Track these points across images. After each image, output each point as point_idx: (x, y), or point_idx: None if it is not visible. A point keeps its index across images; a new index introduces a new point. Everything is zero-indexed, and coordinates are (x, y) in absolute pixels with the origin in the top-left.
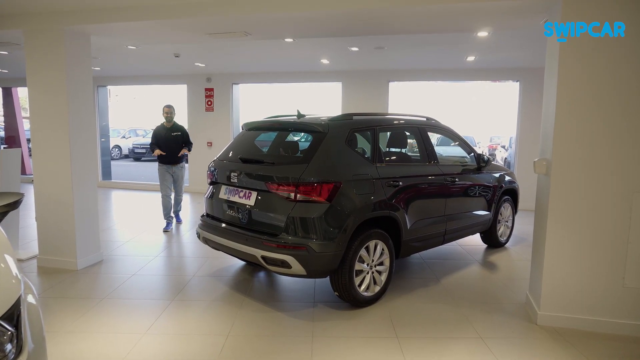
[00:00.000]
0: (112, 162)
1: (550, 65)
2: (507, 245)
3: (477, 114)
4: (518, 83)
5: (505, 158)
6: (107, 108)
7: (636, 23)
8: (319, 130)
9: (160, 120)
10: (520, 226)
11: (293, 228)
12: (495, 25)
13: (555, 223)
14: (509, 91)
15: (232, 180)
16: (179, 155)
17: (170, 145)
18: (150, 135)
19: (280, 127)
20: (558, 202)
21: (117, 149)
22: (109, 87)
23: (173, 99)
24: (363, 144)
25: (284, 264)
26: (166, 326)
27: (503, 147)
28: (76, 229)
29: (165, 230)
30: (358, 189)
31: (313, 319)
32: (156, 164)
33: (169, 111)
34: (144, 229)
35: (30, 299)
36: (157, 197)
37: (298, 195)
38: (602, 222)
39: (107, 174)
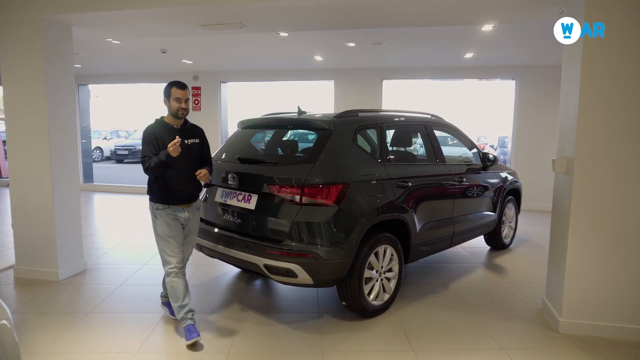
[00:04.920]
0: (94, 165)
1: (570, 60)
2: (510, 246)
3: (465, 113)
4: (514, 81)
5: None
6: (88, 108)
7: None
8: (324, 128)
9: (152, 114)
10: (519, 226)
11: (298, 234)
12: (506, 17)
13: (578, 225)
14: (498, 90)
15: (229, 182)
16: (198, 180)
17: (185, 165)
18: (142, 141)
19: (279, 125)
20: (581, 203)
21: (98, 151)
22: (90, 86)
23: (157, 99)
24: (370, 142)
25: (290, 273)
26: (160, 344)
27: (492, 146)
28: (57, 236)
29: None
30: (367, 191)
31: (320, 332)
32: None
33: (184, 97)
34: (130, 235)
35: (4, 322)
36: (143, 200)
37: (304, 197)
38: (629, 223)
39: (88, 176)
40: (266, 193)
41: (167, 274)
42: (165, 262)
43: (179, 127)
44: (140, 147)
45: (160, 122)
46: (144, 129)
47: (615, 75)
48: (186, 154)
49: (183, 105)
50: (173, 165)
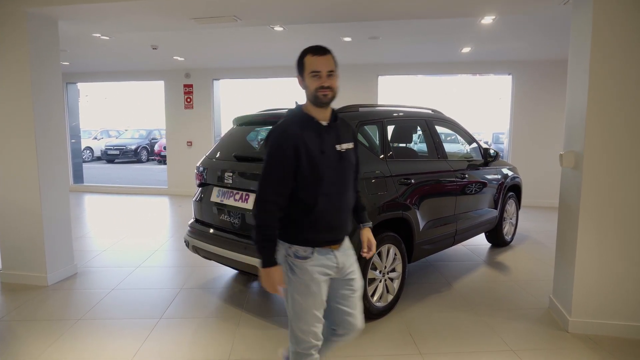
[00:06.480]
0: (84, 165)
1: (578, 51)
2: (511, 243)
3: (458, 109)
4: (510, 76)
5: None
6: (78, 107)
7: None
8: None
9: (144, 114)
10: (518, 222)
11: None
12: (508, 8)
13: (588, 222)
14: (491, 86)
15: (225, 181)
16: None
17: (339, 185)
18: (267, 155)
19: (276, 121)
20: (591, 198)
21: (88, 151)
22: (79, 84)
23: (149, 97)
24: (370, 138)
25: None
26: (155, 351)
27: (486, 142)
28: (45, 239)
29: None
30: (370, 188)
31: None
32: (134, 167)
33: (327, 68)
34: (122, 236)
35: None
36: (136, 200)
37: None
38: None
39: (78, 177)
40: None
41: (296, 354)
42: (296, 340)
43: (327, 122)
44: (131, 148)
45: (298, 116)
46: (270, 132)
47: (626, 65)
48: (339, 168)
49: (325, 81)
50: (323, 184)
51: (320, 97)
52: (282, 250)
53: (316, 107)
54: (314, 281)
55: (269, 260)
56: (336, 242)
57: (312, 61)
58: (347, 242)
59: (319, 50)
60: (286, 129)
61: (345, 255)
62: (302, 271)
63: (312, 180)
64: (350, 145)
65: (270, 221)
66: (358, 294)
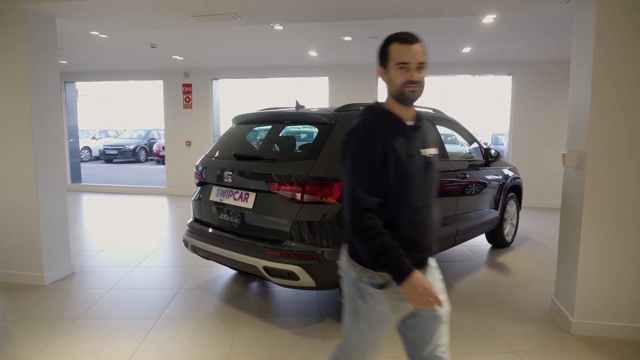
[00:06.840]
0: (82, 164)
1: (580, 50)
2: (512, 244)
3: (456, 111)
4: (510, 76)
5: None
6: (76, 106)
7: None
8: (325, 122)
9: (142, 113)
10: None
11: (299, 234)
12: (509, 7)
13: (591, 222)
14: (489, 87)
15: (225, 180)
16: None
17: (425, 196)
18: (350, 155)
19: (277, 120)
20: (594, 198)
21: (86, 151)
22: (77, 84)
23: (148, 97)
24: None
25: (291, 276)
26: (153, 351)
27: (485, 144)
28: (42, 238)
29: None
30: None
31: (323, 336)
32: (133, 167)
33: (416, 60)
34: (120, 236)
35: None
36: (134, 200)
37: (305, 195)
38: None
39: (76, 176)
40: (265, 191)
41: None
42: (343, 358)
43: (413, 122)
44: (129, 148)
45: (382, 114)
46: (350, 131)
47: (629, 64)
48: (426, 175)
49: (414, 75)
50: (408, 194)
51: (407, 93)
52: (353, 273)
53: (400, 104)
54: (388, 315)
55: (403, 270)
56: (422, 264)
57: (399, 51)
58: (433, 263)
59: (408, 38)
60: (372, 127)
61: (433, 277)
62: (377, 302)
63: (397, 188)
64: (435, 151)
65: (376, 227)
66: (443, 320)
